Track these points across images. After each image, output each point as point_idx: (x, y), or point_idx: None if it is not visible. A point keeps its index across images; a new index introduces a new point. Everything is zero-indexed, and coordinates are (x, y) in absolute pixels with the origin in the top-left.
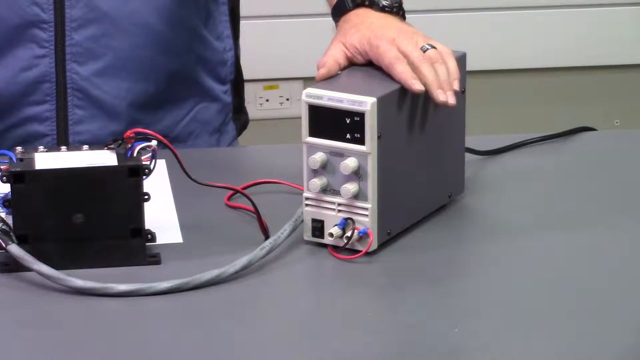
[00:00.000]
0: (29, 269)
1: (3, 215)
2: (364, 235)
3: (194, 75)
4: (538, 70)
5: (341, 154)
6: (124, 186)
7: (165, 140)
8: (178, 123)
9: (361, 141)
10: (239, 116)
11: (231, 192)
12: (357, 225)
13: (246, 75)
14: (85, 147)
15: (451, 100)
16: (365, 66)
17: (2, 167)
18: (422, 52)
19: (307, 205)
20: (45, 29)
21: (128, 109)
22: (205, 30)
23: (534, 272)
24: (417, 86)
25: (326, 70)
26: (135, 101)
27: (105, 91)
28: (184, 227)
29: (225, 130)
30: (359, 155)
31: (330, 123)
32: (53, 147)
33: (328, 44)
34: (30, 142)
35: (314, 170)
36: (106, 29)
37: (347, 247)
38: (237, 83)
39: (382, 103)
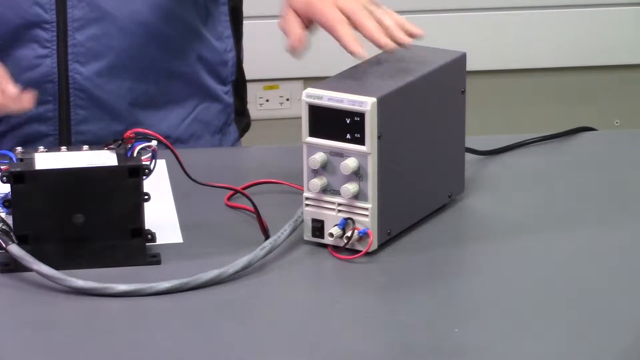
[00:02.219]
0: (29, 269)
1: (3, 215)
2: (364, 236)
3: (195, 74)
4: (538, 70)
5: (341, 154)
6: (124, 186)
7: (165, 140)
8: (180, 124)
9: (361, 141)
10: (240, 118)
11: (231, 192)
12: (357, 226)
13: (246, 75)
14: (86, 147)
15: (405, 39)
16: (366, 65)
17: (2, 167)
18: (366, 11)
19: (307, 205)
20: (48, 29)
21: (130, 109)
22: (205, 29)
23: (534, 272)
24: (359, 49)
25: (297, 41)
26: (137, 101)
27: (108, 91)
28: (184, 227)
29: (227, 131)
30: (359, 155)
31: (331, 123)
32: (53, 147)
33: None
34: (33, 142)
35: (314, 170)
36: (108, 28)
37: (347, 247)
38: (239, 85)
39: (382, 103)
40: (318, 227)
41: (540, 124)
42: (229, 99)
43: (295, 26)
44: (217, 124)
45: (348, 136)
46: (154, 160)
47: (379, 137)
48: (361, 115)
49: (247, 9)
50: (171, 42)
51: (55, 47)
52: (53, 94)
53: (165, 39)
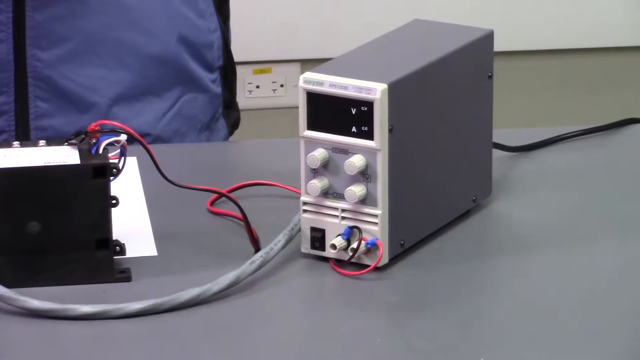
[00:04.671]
0: None
1: None
2: (372, 247)
3: (177, 59)
4: (578, 51)
5: (346, 151)
6: (88, 189)
7: (135, 134)
8: (160, 118)
9: (369, 135)
10: (229, 112)
11: (215, 195)
12: (364, 235)
13: (234, 57)
14: (42, 142)
15: None
16: (375, 45)
17: None
18: None
19: (305, 211)
20: (1, 9)
21: (101, 101)
22: (185, 6)
23: (575, 290)
24: None
25: None
26: (109, 91)
27: (73, 80)
28: (158, 237)
29: (215, 127)
30: (367, 152)
31: (333, 114)
32: (4, 143)
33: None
34: None
35: (314, 169)
36: (73, 7)
37: (352, 261)
38: (227, 72)
39: (394, 90)
40: (318, 238)
41: (580, 115)
42: (217, 88)
43: None
44: (204, 118)
45: (354, 129)
46: (123, 158)
47: (390, 131)
48: (369, 104)
49: None
50: (149, 21)
51: (10, 30)
52: (8, 84)
53: (142, 18)
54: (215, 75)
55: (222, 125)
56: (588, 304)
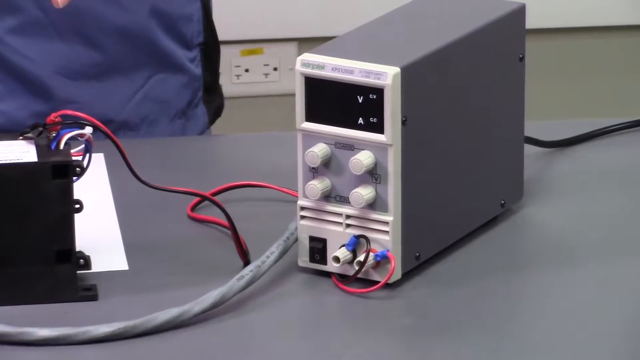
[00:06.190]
0: None
1: None
2: (382, 260)
3: (148, 33)
4: (623, 28)
5: (351, 146)
6: (47, 191)
7: (103, 127)
8: (127, 102)
9: (379, 128)
10: (210, 97)
11: (197, 199)
12: (372, 246)
13: (219, 35)
14: None
15: None
16: (385, 21)
17: None
18: None
19: (303, 217)
20: None
21: (57, 82)
22: None
23: (621, 310)
24: None
25: None
26: (68, 70)
27: (26, 56)
28: (130, 248)
29: (193, 114)
30: (376, 147)
31: (336, 103)
32: None
33: None
34: None
35: (313, 168)
36: None
37: (358, 276)
38: (209, 50)
39: (408, 74)
40: (318, 249)
41: (627, 104)
42: (196, 69)
43: None
44: (179, 104)
45: (360, 121)
46: (88, 155)
47: (403, 123)
48: (379, 91)
49: None
50: None
51: None
52: None
53: None
54: (195, 53)
55: (201, 111)
56: (636, 325)
